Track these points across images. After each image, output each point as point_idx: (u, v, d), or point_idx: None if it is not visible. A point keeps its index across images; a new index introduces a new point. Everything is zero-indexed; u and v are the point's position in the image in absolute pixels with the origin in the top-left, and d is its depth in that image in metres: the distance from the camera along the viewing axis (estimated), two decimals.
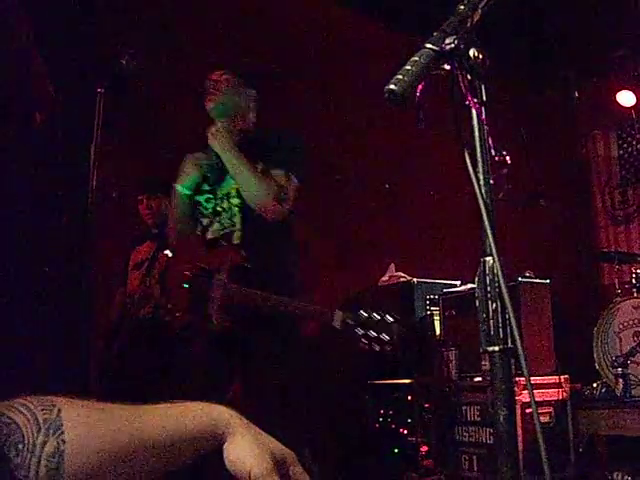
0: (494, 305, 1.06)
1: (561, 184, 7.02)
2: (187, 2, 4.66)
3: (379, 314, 2.64)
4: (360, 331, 2.62)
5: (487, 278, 1.07)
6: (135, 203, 4.23)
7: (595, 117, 7.31)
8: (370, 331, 2.60)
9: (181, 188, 3.07)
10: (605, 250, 6.76)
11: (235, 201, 2.99)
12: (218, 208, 3.04)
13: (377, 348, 2.61)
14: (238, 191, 2.96)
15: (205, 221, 3.05)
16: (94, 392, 3.49)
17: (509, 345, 1.05)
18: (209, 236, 3.02)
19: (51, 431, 0.87)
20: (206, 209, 3.07)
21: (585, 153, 7.54)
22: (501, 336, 1.05)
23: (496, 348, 1.05)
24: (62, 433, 0.87)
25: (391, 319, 2.63)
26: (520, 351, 1.02)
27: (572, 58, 6.68)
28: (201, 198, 3.09)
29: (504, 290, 1.04)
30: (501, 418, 1.04)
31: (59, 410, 0.89)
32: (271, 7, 5.19)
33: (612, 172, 7.38)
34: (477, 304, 1.09)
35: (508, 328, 1.05)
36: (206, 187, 3.09)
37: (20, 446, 0.85)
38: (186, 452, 0.97)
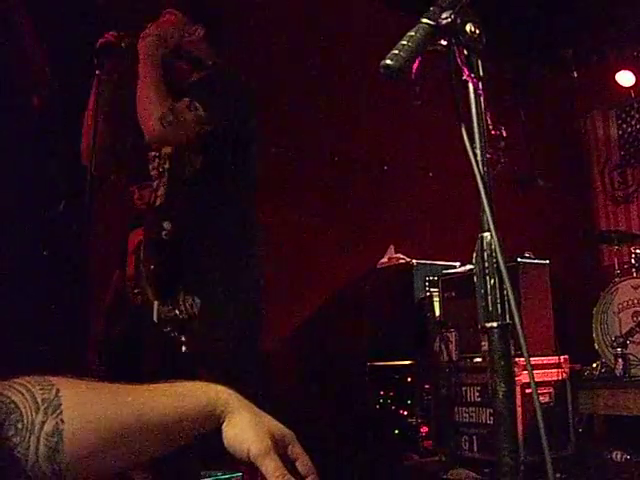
0: (492, 281, 1.05)
1: (560, 164, 7.01)
2: None
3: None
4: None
5: (485, 254, 1.07)
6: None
7: (594, 97, 7.29)
8: None
9: None
10: (604, 230, 6.76)
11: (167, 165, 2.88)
12: (160, 169, 2.90)
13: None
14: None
15: (154, 184, 2.95)
16: (92, 372, 3.50)
17: (507, 321, 1.05)
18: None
19: (50, 410, 0.87)
20: (153, 169, 2.93)
21: (584, 133, 7.52)
22: (499, 312, 1.04)
23: (494, 324, 1.05)
24: (61, 412, 0.88)
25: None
26: (518, 327, 1.02)
27: (571, 37, 6.64)
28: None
29: (502, 266, 1.04)
30: (500, 395, 1.04)
31: (57, 390, 0.89)
32: None
33: (611, 152, 7.37)
34: (475, 280, 1.09)
35: (507, 304, 1.05)
36: None
37: (19, 425, 0.85)
38: (185, 432, 0.98)
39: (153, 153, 2.92)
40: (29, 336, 3.25)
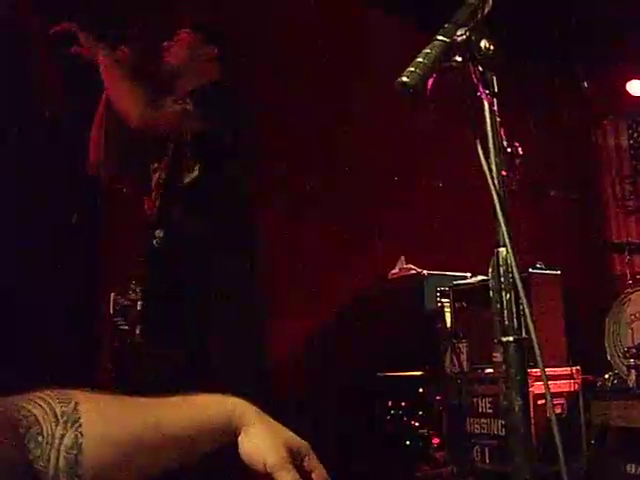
0: (508, 296, 1.06)
1: (571, 174, 7.00)
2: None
3: None
4: None
5: (501, 269, 1.07)
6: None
7: (605, 107, 7.28)
8: None
9: None
10: (616, 241, 6.73)
11: None
12: (160, 180, 2.92)
13: None
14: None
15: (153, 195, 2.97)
16: (104, 383, 3.52)
17: (523, 335, 1.05)
18: None
19: (69, 423, 0.88)
20: (154, 180, 2.97)
21: (595, 143, 7.51)
22: (515, 326, 1.05)
23: (510, 338, 1.06)
24: (80, 426, 0.89)
25: None
26: (535, 341, 1.02)
27: (582, 48, 6.64)
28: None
29: (518, 281, 1.05)
30: (516, 408, 1.04)
31: (77, 403, 0.90)
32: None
33: (623, 162, 7.35)
34: (491, 295, 1.10)
35: (522, 318, 1.06)
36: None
37: (39, 438, 0.86)
38: (202, 444, 0.99)
39: (155, 165, 2.94)
40: (42, 348, 3.26)
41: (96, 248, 3.61)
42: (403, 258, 5.42)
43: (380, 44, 5.72)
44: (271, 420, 1.02)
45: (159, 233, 2.76)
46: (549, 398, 1.04)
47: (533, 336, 1.01)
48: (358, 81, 5.58)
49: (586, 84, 6.84)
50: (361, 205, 5.49)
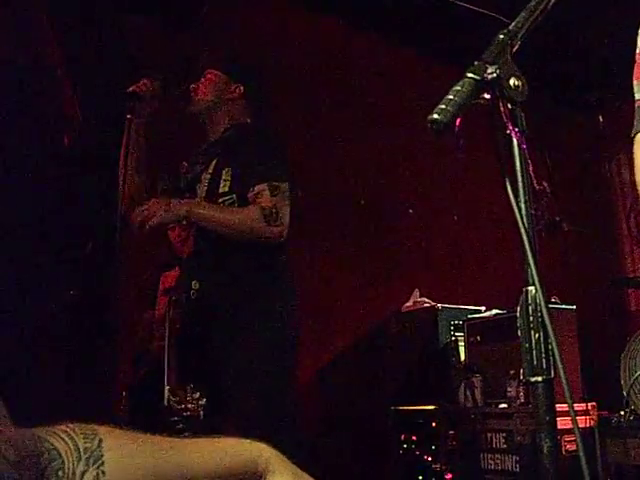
0: (537, 335, 1.05)
1: (585, 209, 6.99)
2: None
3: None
4: None
5: (530, 308, 1.07)
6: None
7: (619, 141, 7.28)
8: None
9: None
10: (631, 276, 6.69)
11: None
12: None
13: None
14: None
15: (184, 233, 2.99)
16: (118, 415, 3.50)
17: (552, 376, 1.05)
18: None
19: (91, 460, 0.87)
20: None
21: (609, 177, 7.49)
22: (544, 367, 1.04)
23: (539, 379, 1.05)
24: (102, 464, 0.88)
25: None
26: (564, 383, 1.01)
27: (596, 82, 6.67)
28: None
29: (547, 320, 1.04)
30: (545, 450, 1.03)
31: (100, 440, 0.89)
32: (280, 26, 5.25)
33: (637, 196, 7.31)
34: (519, 334, 1.09)
35: (551, 358, 1.05)
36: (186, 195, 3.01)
37: (60, 473, 0.85)
38: None
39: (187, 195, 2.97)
40: (57, 381, 3.26)
41: (112, 279, 3.62)
42: (417, 291, 5.41)
43: (407, 80, 5.77)
44: (296, 468, 1.02)
45: (195, 285, 2.79)
46: (578, 433, 1.03)
47: (563, 378, 1.00)
48: (375, 113, 5.61)
49: (601, 118, 6.85)
50: (376, 238, 5.49)
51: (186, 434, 2.60)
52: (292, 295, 2.92)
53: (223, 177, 2.87)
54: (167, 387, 2.66)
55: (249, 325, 2.74)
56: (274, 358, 2.76)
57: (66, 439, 0.88)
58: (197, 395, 2.64)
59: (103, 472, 0.87)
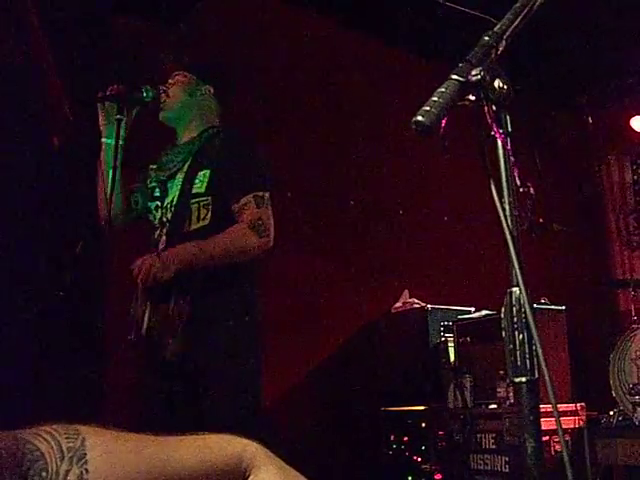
0: (521, 336, 1.06)
1: (575, 210, 7.01)
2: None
3: None
4: None
5: (514, 309, 1.07)
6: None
7: (609, 143, 7.31)
8: None
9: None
10: (620, 276, 6.72)
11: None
12: (164, 219, 2.93)
13: None
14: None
15: (156, 233, 2.97)
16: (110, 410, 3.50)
17: (536, 376, 1.05)
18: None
19: (75, 459, 0.87)
20: (155, 218, 2.97)
21: (599, 179, 7.52)
22: (528, 367, 1.05)
23: (523, 379, 1.05)
24: (86, 462, 0.87)
25: None
26: (548, 382, 1.01)
27: (585, 84, 6.69)
28: (152, 205, 3.00)
29: (531, 321, 1.04)
30: (529, 450, 1.03)
31: (83, 439, 0.89)
32: (273, 31, 5.24)
33: (626, 197, 7.36)
34: (504, 335, 1.09)
35: (535, 359, 1.05)
36: (157, 194, 2.99)
37: (43, 474, 0.85)
38: None
39: (156, 203, 2.98)
40: (45, 382, 3.25)
41: (101, 278, 3.61)
42: (407, 292, 5.42)
43: (392, 80, 5.78)
44: (282, 463, 1.01)
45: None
46: (561, 435, 1.03)
47: (547, 377, 1.01)
48: (365, 116, 5.62)
49: (590, 119, 6.88)
50: (366, 239, 5.50)
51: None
52: (251, 290, 2.94)
53: (199, 178, 2.86)
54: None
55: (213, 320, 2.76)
56: (236, 353, 2.77)
57: (49, 440, 0.88)
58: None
59: (87, 470, 0.87)
